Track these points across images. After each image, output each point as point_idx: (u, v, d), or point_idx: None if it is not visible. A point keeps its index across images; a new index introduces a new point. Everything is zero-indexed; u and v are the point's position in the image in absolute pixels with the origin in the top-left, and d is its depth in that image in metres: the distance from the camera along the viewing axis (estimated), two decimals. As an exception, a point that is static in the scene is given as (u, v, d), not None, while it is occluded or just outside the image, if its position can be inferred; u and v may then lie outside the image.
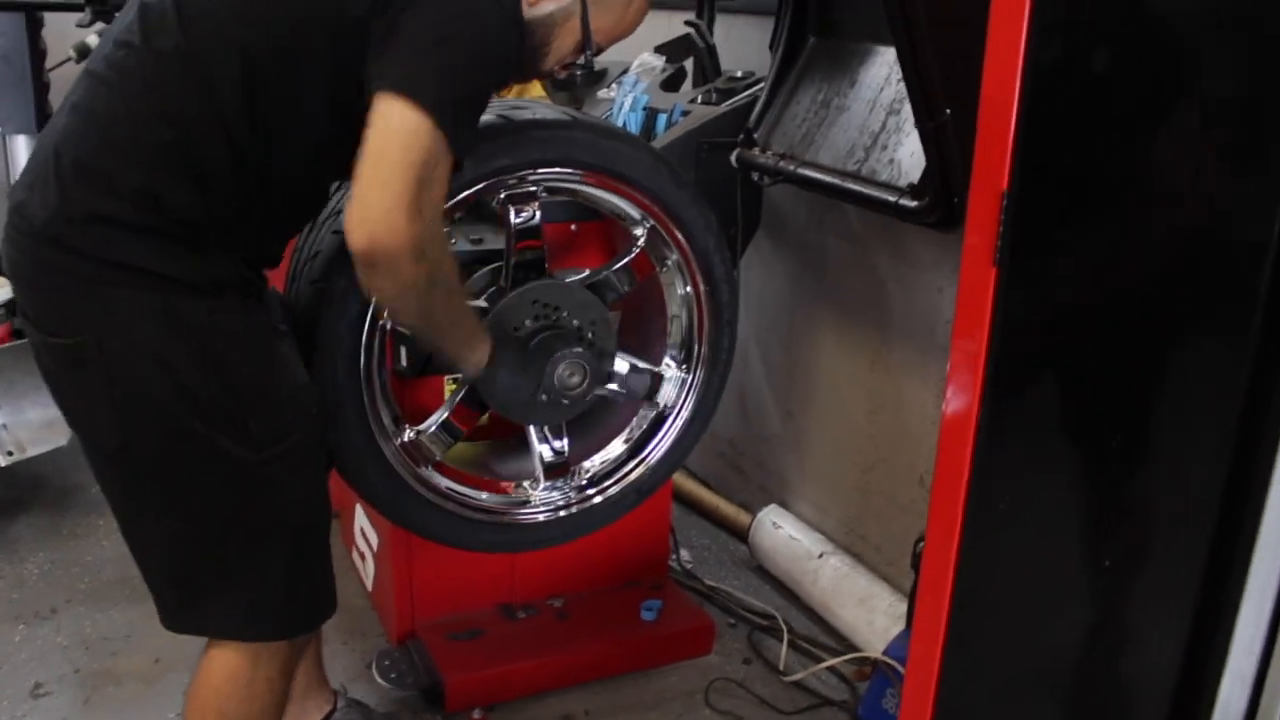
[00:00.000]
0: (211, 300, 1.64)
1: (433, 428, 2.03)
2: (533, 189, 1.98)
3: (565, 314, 2.03)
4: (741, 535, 3.20)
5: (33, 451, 2.98)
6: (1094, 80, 1.37)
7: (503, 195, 1.96)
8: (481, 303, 2.00)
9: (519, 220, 1.98)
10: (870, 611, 2.65)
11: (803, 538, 2.96)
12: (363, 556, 2.86)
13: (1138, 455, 1.42)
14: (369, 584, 2.86)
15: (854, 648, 2.70)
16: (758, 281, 3.23)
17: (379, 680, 2.47)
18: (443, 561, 2.51)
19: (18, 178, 1.70)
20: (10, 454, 2.96)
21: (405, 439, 2.00)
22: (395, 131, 1.54)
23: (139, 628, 2.76)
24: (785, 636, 2.77)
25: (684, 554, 3.11)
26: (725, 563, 3.21)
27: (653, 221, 2.08)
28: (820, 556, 2.85)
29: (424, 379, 2.29)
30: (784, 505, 3.18)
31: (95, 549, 3.12)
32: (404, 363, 2.25)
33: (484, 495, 2.10)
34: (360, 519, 2.80)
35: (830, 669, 2.67)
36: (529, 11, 1.73)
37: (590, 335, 2.04)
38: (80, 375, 1.66)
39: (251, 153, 1.63)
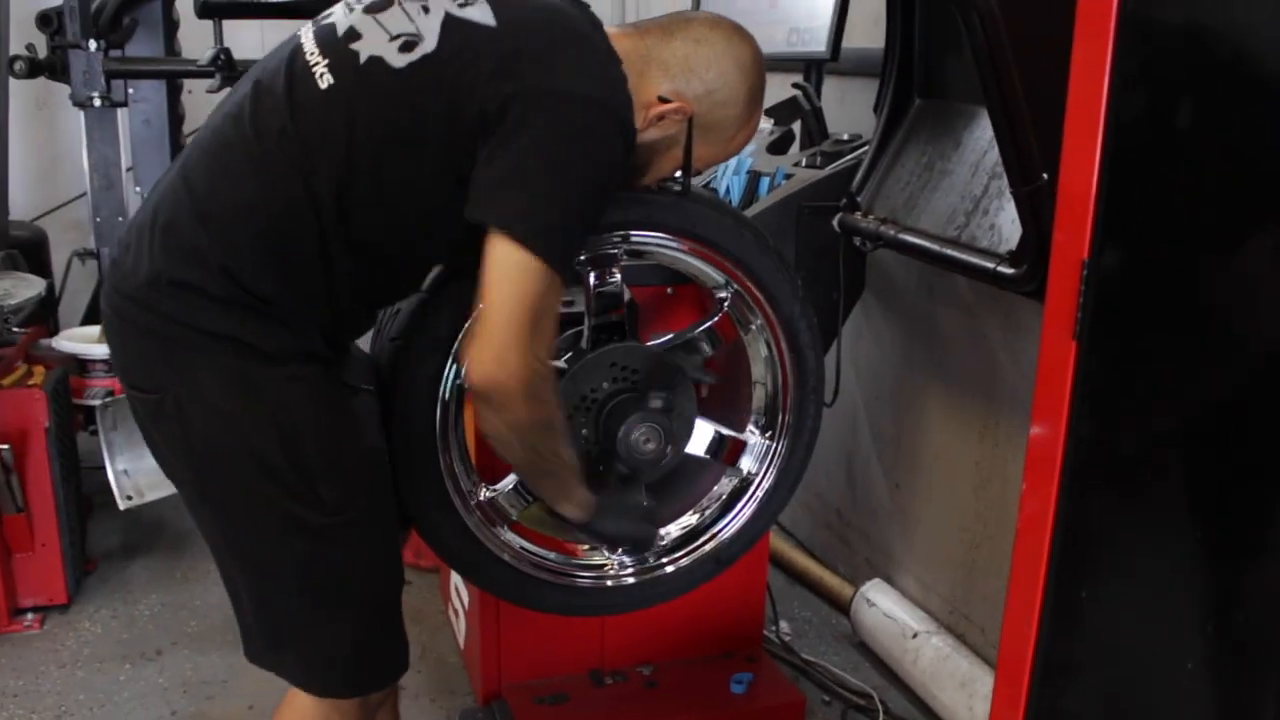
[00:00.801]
0: (287, 368, 1.65)
1: (508, 487, 2.01)
2: (613, 251, 1.96)
3: (644, 377, 1.99)
4: (845, 609, 3.09)
5: (150, 497, 3.08)
6: (1180, 142, 1.29)
7: (582, 258, 1.95)
8: (561, 364, 1.98)
9: (598, 284, 1.96)
10: (970, 696, 2.52)
11: (901, 615, 2.84)
12: (456, 614, 2.86)
13: (1226, 549, 1.30)
14: (461, 641, 2.85)
15: (953, 734, 2.57)
16: (867, 348, 3.15)
17: (459, 741, 2.46)
18: (531, 624, 2.48)
19: (121, 234, 1.77)
20: (130, 499, 3.06)
21: (481, 498, 1.99)
22: (507, 273, 1.55)
23: (237, 673, 2.82)
24: (880, 717, 2.65)
25: (783, 625, 3.02)
26: (826, 637, 3.10)
27: (736, 286, 2.04)
28: (915, 636, 2.73)
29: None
30: (889, 580, 3.06)
31: (205, 593, 3.21)
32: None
33: (552, 556, 2.07)
34: (455, 576, 2.81)
35: (925, 756, 2.54)
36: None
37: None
38: (161, 428, 1.71)
39: (336, 243, 1.62)
